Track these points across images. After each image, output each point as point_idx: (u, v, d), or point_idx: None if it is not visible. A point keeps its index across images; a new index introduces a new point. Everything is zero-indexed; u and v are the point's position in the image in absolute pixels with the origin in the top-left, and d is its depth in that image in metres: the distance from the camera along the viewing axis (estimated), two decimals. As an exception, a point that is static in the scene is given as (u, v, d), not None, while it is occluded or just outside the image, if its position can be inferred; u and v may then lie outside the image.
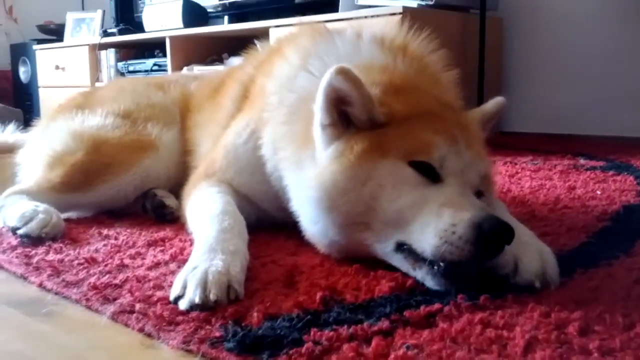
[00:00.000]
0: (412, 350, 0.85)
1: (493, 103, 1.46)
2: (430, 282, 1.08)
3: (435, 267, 1.06)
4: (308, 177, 1.21)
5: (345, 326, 0.92)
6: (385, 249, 1.14)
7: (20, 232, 1.46)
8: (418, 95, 1.26)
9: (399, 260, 1.13)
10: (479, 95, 3.33)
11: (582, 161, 2.62)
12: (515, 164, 2.57)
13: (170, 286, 1.07)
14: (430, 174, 1.12)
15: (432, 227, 1.05)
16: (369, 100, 1.16)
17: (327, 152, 1.19)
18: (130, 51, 4.75)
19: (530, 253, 1.09)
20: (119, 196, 1.71)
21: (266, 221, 1.47)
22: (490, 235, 1.01)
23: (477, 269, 1.06)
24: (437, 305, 0.99)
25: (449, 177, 1.13)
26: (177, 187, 1.69)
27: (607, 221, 1.55)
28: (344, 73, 1.14)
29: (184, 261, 1.15)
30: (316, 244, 1.26)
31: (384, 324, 0.93)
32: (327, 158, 1.18)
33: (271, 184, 1.39)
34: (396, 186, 1.12)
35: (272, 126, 1.38)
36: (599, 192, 1.90)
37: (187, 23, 4.14)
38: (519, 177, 2.23)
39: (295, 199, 1.28)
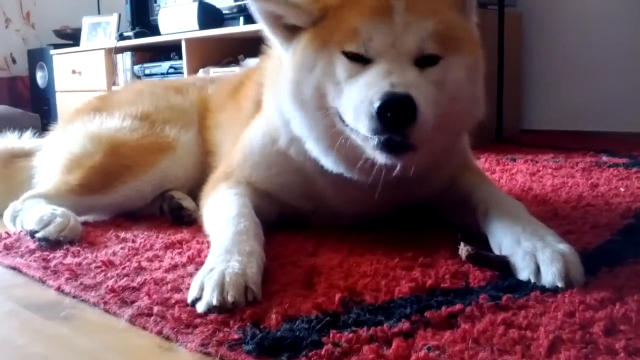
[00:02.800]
0: (433, 351, 0.83)
1: None
2: (377, 156, 1.17)
3: (373, 142, 1.14)
4: (284, 86, 1.31)
5: (365, 328, 0.90)
6: (348, 132, 1.20)
7: (38, 235, 1.46)
8: None
9: (359, 142, 1.19)
10: (499, 91, 3.29)
11: (604, 158, 2.58)
12: (537, 162, 2.53)
13: (187, 289, 1.06)
14: (361, 58, 1.18)
15: (350, 106, 1.15)
16: (293, 6, 1.27)
17: (287, 54, 1.30)
18: (146, 54, 4.77)
19: (552, 253, 1.07)
20: (137, 197, 1.72)
21: (288, 215, 1.47)
22: (385, 113, 1.08)
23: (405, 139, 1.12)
24: (458, 306, 0.97)
25: (377, 57, 1.17)
26: (196, 187, 1.69)
27: (631, 218, 1.52)
28: None
29: (201, 263, 1.14)
30: (325, 164, 1.32)
31: (405, 325, 0.91)
32: (287, 60, 1.30)
33: (289, 173, 1.41)
34: (334, 75, 1.20)
35: (268, 96, 1.45)
36: (622, 189, 1.87)
37: (203, 25, 4.14)
38: (540, 175, 2.20)
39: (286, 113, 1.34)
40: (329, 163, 1.31)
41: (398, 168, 1.19)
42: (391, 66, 1.14)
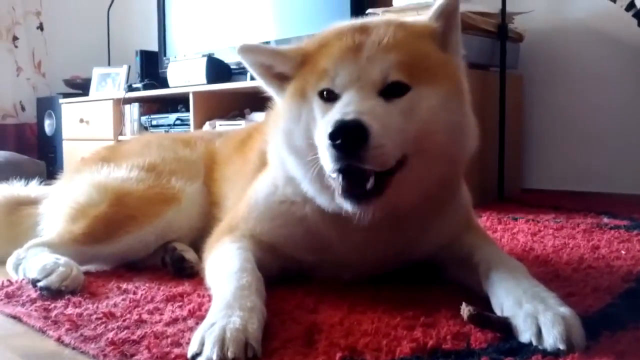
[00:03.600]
0: (434, 415, 0.83)
1: None
2: (343, 204, 1.21)
3: (336, 183, 1.20)
4: (278, 134, 1.37)
5: (366, 388, 0.90)
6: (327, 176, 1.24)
7: (40, 284, 1.46)
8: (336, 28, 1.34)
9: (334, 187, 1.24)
10: (500, 151, 3.33)
11: (605, 220, 2.58)
12: (538, 221, 2.54)
13: (188, 343, 1.05)
14: (332, 96, 1.22)
15: (322, 146, 1.18)
16: (277, 54, 1.32)
17: (281, 105, 1.35)
18: (154, 105, 4.84)
19: (554, 316, 1.07)
20: (140, 247, 1.73)
21: (291, 269, 1.47)
22: (336, 140, 1.12)
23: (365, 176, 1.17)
24: (459, 368, 0.96)
25: (344, 91, 1.21)
26: (199, 238, 1.70)
27: (633, 282, 1.52)
28: (242, 51, 1.34)
29: (202, 317, 1.14)
30: (321, 203, 1.34)
31: (405, 386, 0.91)
32: (281, 111, 1.35)
33: (293, 223, 1.43)
34: (316, 118, 1.25)
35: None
36: (623, 252, 1.87)
37: (211, 79, 4.22)
38: (541, 236, 2.20)
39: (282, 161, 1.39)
40: (323, 201, 1.33)
41: (364, 213, 1.23)
42: (353, 98, 1.19)
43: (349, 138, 1.12)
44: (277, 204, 1.45)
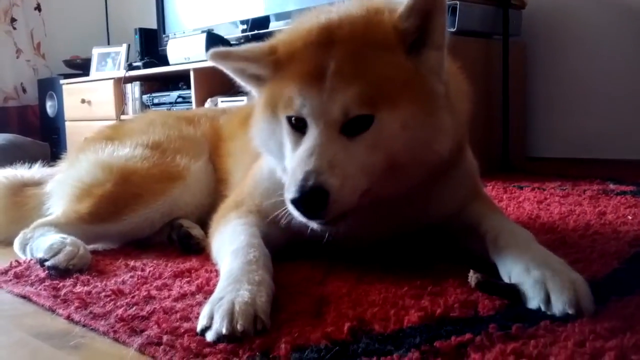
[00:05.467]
0: (444, 382, 0.83)
1: None
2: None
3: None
4: None
5: (375, 357, 0.90)
6: None
7: (47, 264, 1.47)
8: (305, 28, 1.30)
9: None
10: (504, 120, 3.31)
11: (611, 186, 2.58)
12: (544, 189, 2.54)
13: (197, 317, 1.06)
14: (298, 124, 1.23)
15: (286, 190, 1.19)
16: (249, 59, 1.31)
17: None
18: (155, 84, 4.82)
19: (562, 282, 1.07)
20: (146, 225, 1.74)
21: (297, 244, 1.47)
22: (296, 203, 1.16)
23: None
24: (468, 336, 0.96)
25: (310, 125, 1.21)
26: (205, 214, 1.70)
27: (639, 247, 1.52)
28: (213, 57, 1.34)
29: (210, 292, 1.15)
30: None
31: (414, 355, 0.91)
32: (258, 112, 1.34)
33: None
34: (286, 142, 1.26)
35: None
36: (630, 217, 1.87)
37: (211, 55, 4.19)
38: (547, 203, 2.20)
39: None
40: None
41: (332, 231, 1.30)
42: (316, 141, 1.18)
43: (309, 206, 1.16)
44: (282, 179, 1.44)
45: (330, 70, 1.20)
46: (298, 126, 1.24)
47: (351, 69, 1.19)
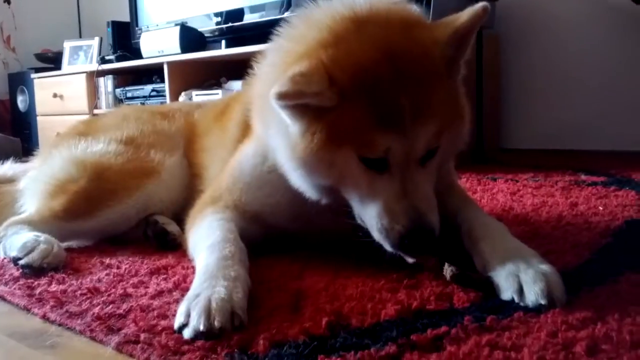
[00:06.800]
0: (420, 374, 0.84)
1: (469, 12, 1.29)
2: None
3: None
4: (284, 145, 1.28)
5: (352, 352, 0.91)
6: (358, 221, 1.27)
7: (21, 262, 1.45)
8: (362, 52, 1.21)
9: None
10: (479, 112, 3.34)
11: (583, 177, 2.62)
12: (517, 181, 2.57)
13: (174, 315, 1.06)
14: (377, 165, 1.20)
15: (375, 227, 1.20)
16: (315, 94, 1.17)
17: (295, 128, 1.22)
18: (128, 77, 4.78)
19: (534, 273, 1.09)
20: (121, 221, 1.72)
21: (275, 238, 1.47)
22: (412, 245, 1.17)
23: None
24: (444, 328, 0.98)
25: (393, 166, 1.20)
26: (181, 210, 1.69)
27: (610, 237, 1.55)
28: (281, 98, 1.15)
29: (187, 289, 1.14)
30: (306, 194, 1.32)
31: (391, 348, 0.92)
32: (296, 135, 1.22)
33: (280, 192, 1.41)
34: (353, 175, 1.21)
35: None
36: (601, 208, 1.90)
37: (185, 48, 4.16)
38: (520, 195, 2.23)
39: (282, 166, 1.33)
40: (309, 195, 1.32)
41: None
42: (407, 180, 1.20)
43: (422, 248, 1.19)
44: (265, 174, 1.43)
45: (407, 110, 1.17)
46: (375, 165, 1.20)
47: (425, 107, 1.19)
